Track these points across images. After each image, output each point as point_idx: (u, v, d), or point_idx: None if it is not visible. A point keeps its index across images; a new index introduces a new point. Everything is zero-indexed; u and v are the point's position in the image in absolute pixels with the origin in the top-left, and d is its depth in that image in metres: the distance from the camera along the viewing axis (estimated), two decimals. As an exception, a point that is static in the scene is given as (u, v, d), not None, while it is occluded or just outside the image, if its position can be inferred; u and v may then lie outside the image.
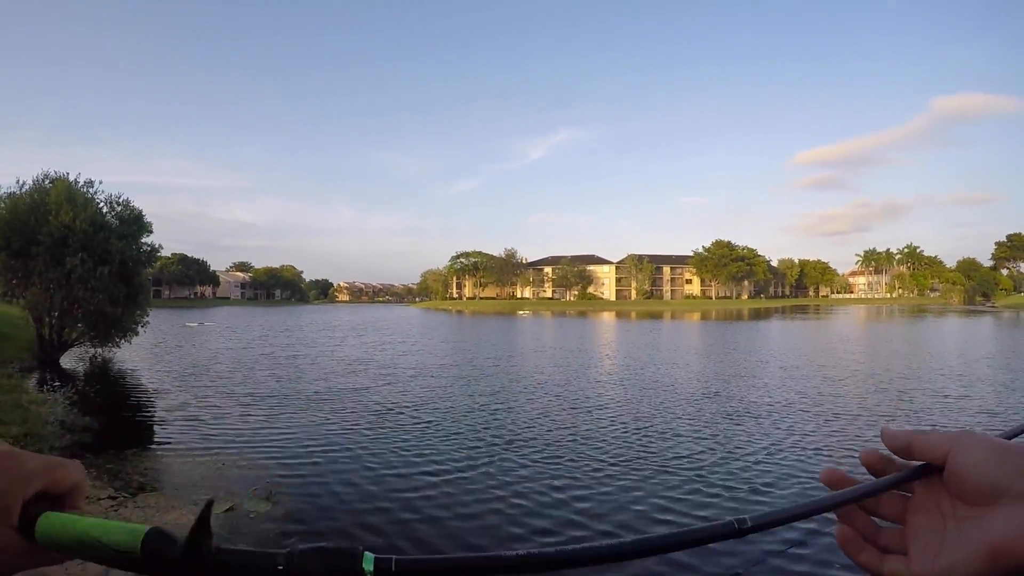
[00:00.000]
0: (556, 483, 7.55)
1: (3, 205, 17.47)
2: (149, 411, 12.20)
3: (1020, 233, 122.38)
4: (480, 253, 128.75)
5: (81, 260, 17.03)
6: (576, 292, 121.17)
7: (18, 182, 17.99)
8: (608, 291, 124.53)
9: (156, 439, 9.86)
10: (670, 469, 8.17)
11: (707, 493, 7.21)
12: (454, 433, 10.13)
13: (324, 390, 14.32)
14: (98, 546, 0.44)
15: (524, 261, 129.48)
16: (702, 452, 9.03)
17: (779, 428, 10.59)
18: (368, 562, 0.43)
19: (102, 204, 18.84)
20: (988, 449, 0.46)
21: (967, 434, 0.48)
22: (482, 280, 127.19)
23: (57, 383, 12.40)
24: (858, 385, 15.53)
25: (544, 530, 6.15)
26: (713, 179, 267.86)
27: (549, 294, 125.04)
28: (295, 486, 7.43)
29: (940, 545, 0.46)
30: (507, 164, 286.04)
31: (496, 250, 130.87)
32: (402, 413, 11.73)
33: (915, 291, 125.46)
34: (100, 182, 19.03)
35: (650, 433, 10.19)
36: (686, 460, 8.61)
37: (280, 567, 0.41)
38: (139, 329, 19.89)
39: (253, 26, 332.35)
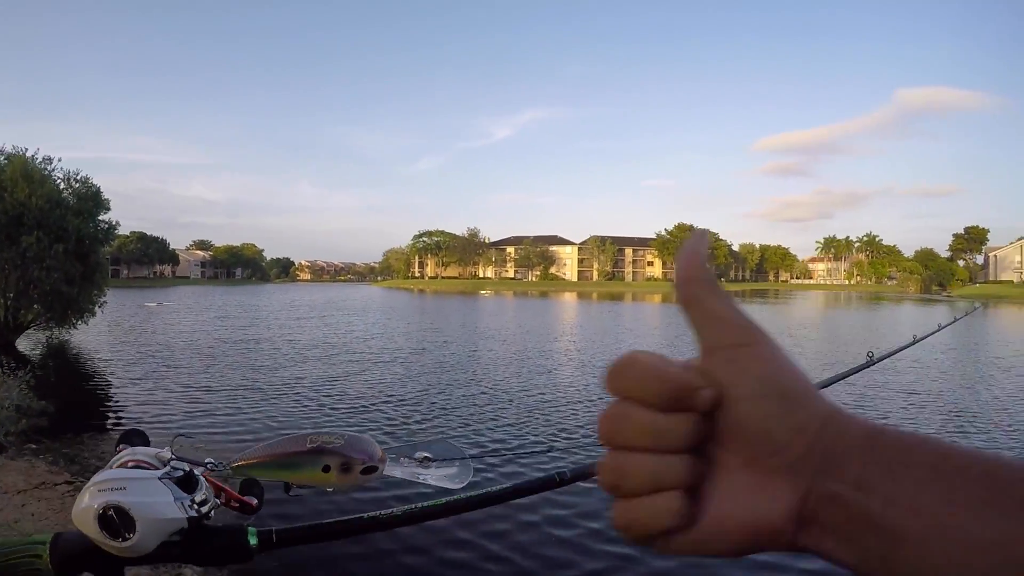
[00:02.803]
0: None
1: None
2: (106, 394, 12.28)
3: (977, 226, 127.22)
4: (443, 232, 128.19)
5: (36, 238, 16.64)
6: (538, 273, 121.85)
7: (-29, 159, 17.51)
8: (570, 272, 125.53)
9: (113, 422, 10.01)
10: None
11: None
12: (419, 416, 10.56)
13: (286, 376, 14.54)
14: None
15: (487, 241, 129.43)
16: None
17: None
18: (252, 536, 0.45)
19: (60, 181, 18.42)
20: (775, 392, 0.30)
21: (754, 352, 0.32)
22: (444, 259, 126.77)
23: (13, 366, 12.32)
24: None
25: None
26: (676, 162, 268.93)
27: (511, 274, 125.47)
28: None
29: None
30: (471, 143, 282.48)
31: (459, 229, 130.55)
32: (369, 400, 11.96)
33: (873, 279, 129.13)
34: (59, 159, 18.57)
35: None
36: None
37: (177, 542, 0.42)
38: (96, 310, 19.44)
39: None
